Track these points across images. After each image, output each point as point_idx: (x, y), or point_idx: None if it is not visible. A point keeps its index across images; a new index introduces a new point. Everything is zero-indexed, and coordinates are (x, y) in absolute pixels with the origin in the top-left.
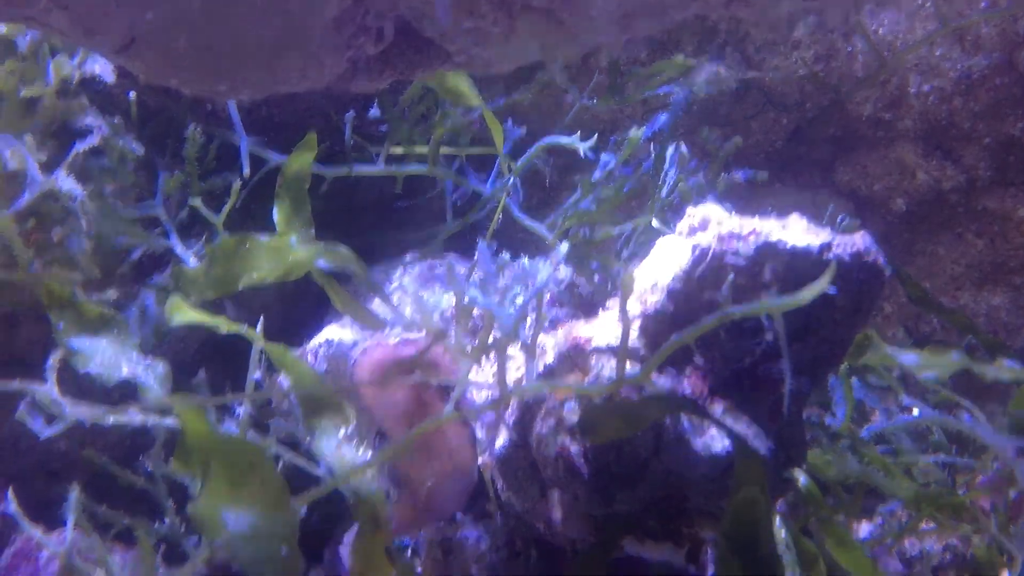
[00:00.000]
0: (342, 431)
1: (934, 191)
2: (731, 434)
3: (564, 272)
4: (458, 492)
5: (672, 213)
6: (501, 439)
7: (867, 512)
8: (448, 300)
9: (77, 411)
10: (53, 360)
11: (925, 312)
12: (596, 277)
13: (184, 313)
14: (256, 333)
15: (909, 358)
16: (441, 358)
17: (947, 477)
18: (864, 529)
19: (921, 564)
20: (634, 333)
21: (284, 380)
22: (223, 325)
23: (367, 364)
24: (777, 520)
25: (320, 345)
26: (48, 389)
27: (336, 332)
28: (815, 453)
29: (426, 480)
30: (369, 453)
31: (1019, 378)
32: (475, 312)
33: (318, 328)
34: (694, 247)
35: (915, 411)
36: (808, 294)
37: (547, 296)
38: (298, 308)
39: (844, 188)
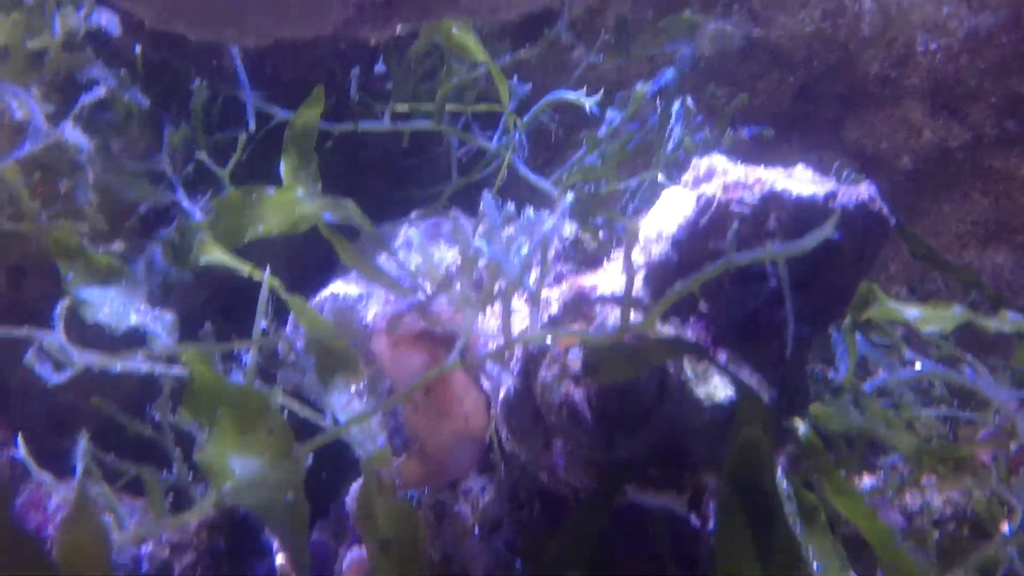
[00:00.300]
0: (353, 387)
1: (940, 149)
2: (734, 380)
3: (569, 230)
4: (467, 457)
5: (677, 170)
6: (505, 389)
7: (869, 467)
8: (453, 255)
9: (85, 357)
10: (61, 308)
11: (928, 268)
12: (601, 234)
13: (212, 252)
14: (275, 281)
15: (912, 312)
16: (456, 321)
17: (949, 431)
18: (866, 484)
19: (922, 518)
20: (638, 283)
21: (292, 331)
22: (247, 269)
23: (387, 327)
24: (779, 471)
25: (326, 299)
26: (56, 336)
27: (342, 287)
28: (817, 407)
29: (437, 441)
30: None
31: (1022, 330)
32: (480, 264)
33: (324, 284)
34: (699, 197)
35: (918, 365)
36: (812, 240)
37: (552, 251)
38: (303, 267)
39: (851, 147)
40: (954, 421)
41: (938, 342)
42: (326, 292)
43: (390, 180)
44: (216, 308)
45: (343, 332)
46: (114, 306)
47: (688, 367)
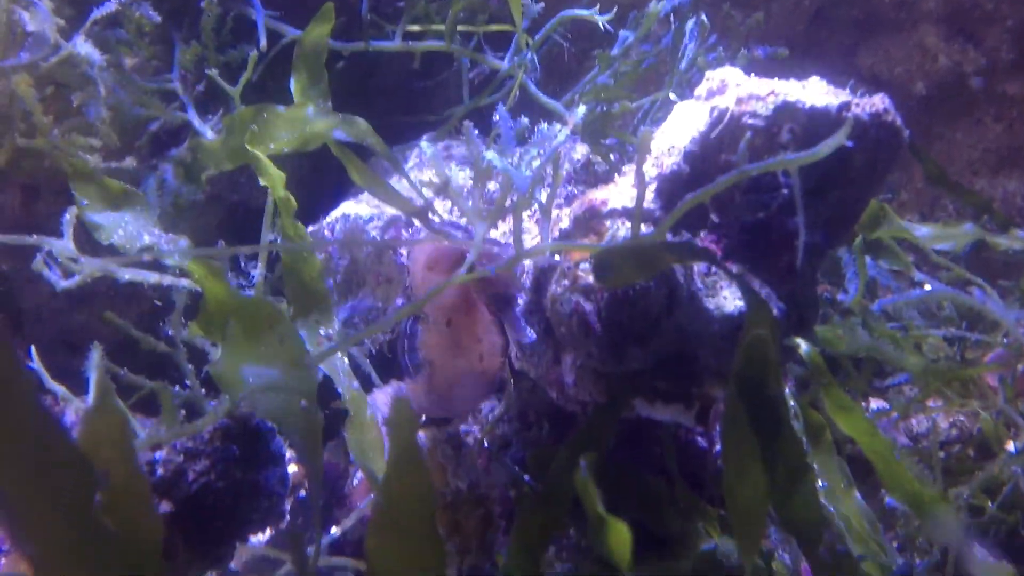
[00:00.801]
0: (322, 331)
1: (955, 74)
2: (743, 286)
3: (580, 152)
4: (474, 393)
5: (690, 90)
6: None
7: (876, 392)
8: (464, 177)
9: (92, 263)
10: (70, 214)
11: (939, 195)
12: (612, 155)
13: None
14: (282, 192)
15: (923, 231)
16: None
17: (957, 354)
18: (872, 408)
19: (928, 440)
20: (649, 196)
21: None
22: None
23: (425, 253)
24: (787, 389)
25: (336, 220)
26: (64, 244)
27: (352, 207)
28: (825, 328)
29: (449, 372)
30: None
31: None
32: (492, 187)
33: (334, 206)
34: (712, 109)
35: (927, 287)
36: (826, 148)
37: (564, 167)
38: (314, 191)
39: (865, 73)
40: (962, 344)
41: (948, 264)
42: (337, 212)
43: (401, 105)
44: (229, 231)
45: (353, 251)
46: (128, 230)
47: (698, 279)
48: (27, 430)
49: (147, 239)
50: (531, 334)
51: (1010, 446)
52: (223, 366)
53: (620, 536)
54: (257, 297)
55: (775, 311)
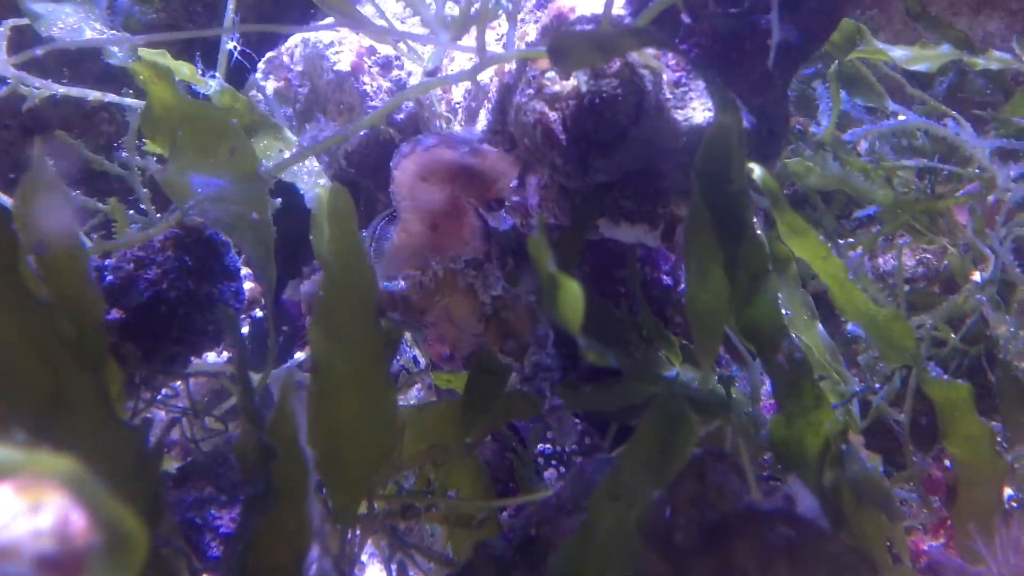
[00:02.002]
0: (286, 153)
1: None
2: (712, 84)
3: None
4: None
5: None
6: (481, 123)
7: (846, 231)
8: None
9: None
10: (5, 28)
11: (919, 34)
12: None
13: None
14: None
15: (900, 52)
16: (486, 162)
17: (928, 186)
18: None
19: (894, 277)
20: (620, 0)
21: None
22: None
23: (417, 162)
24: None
25: (296, 45)
26: None
27: (312, 33)
28: (796, 161)
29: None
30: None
31: (1008, 66)
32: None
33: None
34: None
35: (901, 117)
36: None
37: None
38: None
39: None
40: (933, 178)
41: (923, 96)
42: (296, 38)
43: None
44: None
45: (313, 79)
46: (68, 22)
47: (667, 89)
48: None
49: (89, 34)
50: (508, 221)
51: (976, 276)
52: (171, 173)
53: (571, 294)
54: (208, 105)
55: (745, 122)
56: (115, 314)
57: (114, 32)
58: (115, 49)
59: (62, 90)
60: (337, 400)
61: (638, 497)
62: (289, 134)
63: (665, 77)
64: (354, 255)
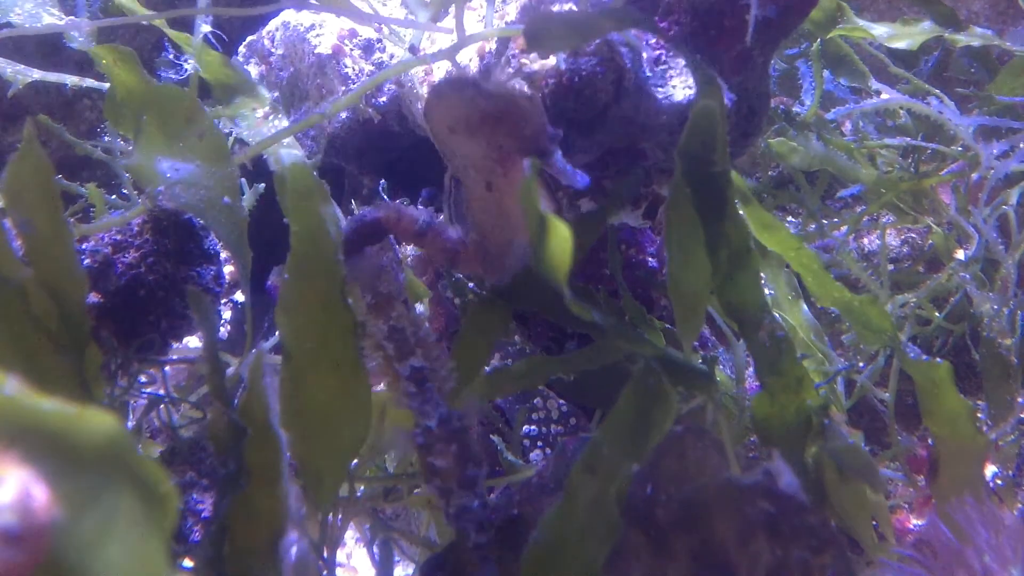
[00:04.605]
0: (259, 112)
1: None
2: (692, 62)
3: None
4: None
5: None
6: None
7: (830, 211)
8: None
9: None
10: None
11: (903, 9)
12: None
13: None
14: None
15: (881, 30)
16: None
17: (911, 165)
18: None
19: (878, 258)
20: None
21: (246, 57)
22: None
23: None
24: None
25: (276, 28)
26: None
27: (293, 15)
28: (779, 141)
29: (501, 241)
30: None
31: (989, 42)
32: None
33: (276, 14)
34: None
35: (884, 96)
36: None
37: None
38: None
39: None
40: (916, 157)
41: (906, 75)
42: (277, 21)
43: None
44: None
45: (296, 62)
46: (26, 7)
47: (647, 66)
48: None
49: (47, 19)
50: (584, 177)
51: (960, 254)
52: (137, 159)
53: (560, 238)
54: (174, 88)
55: (726, 100)
56: (93, 298)
57: (71, 18)
58: (75, 33)
59: (38, 75)
60: (307, 382)
61: (616, 471)
62: (263, 91)
63: (644, 54)
64: (318, 234)
